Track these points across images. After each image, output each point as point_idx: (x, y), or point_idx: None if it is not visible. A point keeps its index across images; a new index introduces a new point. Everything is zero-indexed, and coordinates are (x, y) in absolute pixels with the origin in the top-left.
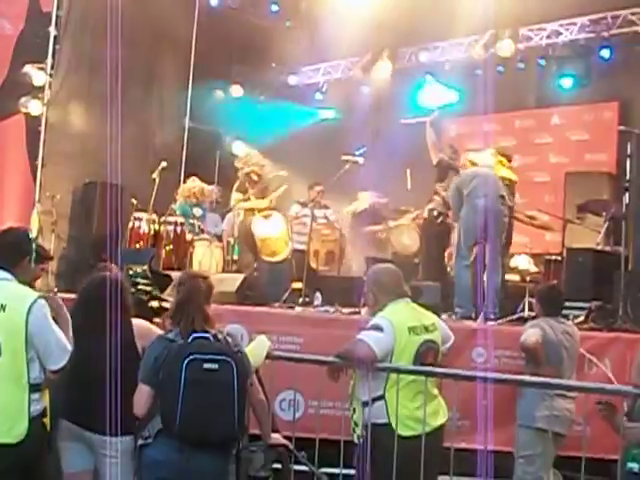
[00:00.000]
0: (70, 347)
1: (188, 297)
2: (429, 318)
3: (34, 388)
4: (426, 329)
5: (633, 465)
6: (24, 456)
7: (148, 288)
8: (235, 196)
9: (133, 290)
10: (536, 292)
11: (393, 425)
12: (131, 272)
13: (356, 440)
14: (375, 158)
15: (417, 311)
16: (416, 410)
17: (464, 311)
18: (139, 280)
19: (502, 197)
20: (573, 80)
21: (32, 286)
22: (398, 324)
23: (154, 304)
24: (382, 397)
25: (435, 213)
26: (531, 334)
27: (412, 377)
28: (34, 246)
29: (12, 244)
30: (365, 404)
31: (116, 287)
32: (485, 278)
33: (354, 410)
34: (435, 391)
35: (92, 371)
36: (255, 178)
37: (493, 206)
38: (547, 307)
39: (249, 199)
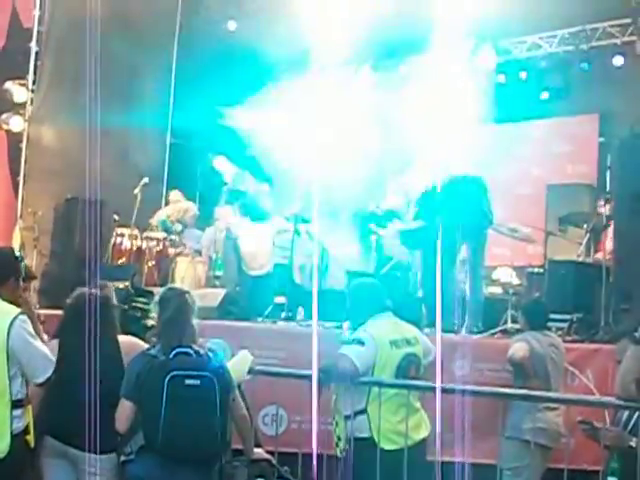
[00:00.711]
0: (53, 358)
1: (176, 313)
2: (410, 331)
3: (16, 404)
4: (408, 343)
5: (612, 479)
6: (5, 473)
7: (144, 306)
8: (226, 210)
9: (127, 307)
10: (521, 306)
11: (375, 439)
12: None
13: (339, 454)
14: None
15: (398, 325)
16: (398, 424)
17: (447, 324)
18: (134, 298)
19: (484, 211)
20: (553, 92)
21: (17, 305)
22: (379, 338)
23: (150, 322)
24: (364, 411)
25: None
26: (518, 348)
27: (394, 390)
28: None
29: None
30: (347, 418)
31: (103, 304)
32: (467, 291)
33: (336, 424)
34: (417, 404)
35: (78, 388)
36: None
37: (475, 219)
38: (532, 321)
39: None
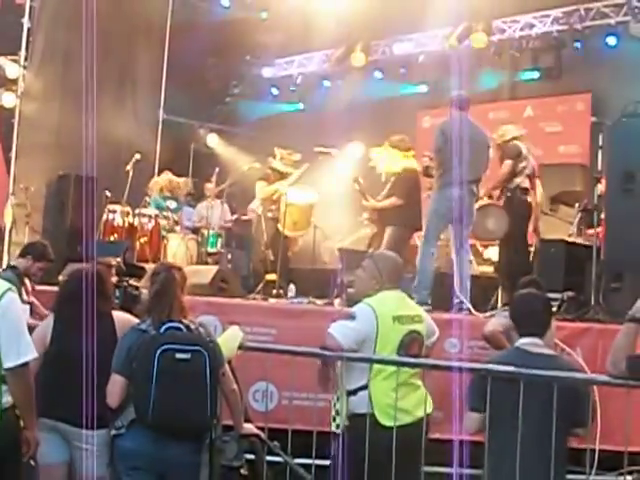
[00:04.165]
0: (30, 357)
1: (163, 288)
2: (415, 309)
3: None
4: (412, 319)
5: None
6: None
7: (136, 282)
8: (260, 185)
9: (125, 285)
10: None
11: (376, 415)
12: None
13: (335, 429)
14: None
15: (405, 301)
16: (399, 400)
17: (421, 297)
18: (126, 274)
19: (473, 191)
20: (546, 72)
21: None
22: (381, 312)
23: (142, 298)
24: (366, 387)
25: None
26: (490, 324)
27: (395, 367)
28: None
29: None
30: (350, 393)
31: (98, 280)
32: (456, 267)
33: (337, 399)
34: (419, 382)
35: (72, 364)
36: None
37: (467, 196)
38: None
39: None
